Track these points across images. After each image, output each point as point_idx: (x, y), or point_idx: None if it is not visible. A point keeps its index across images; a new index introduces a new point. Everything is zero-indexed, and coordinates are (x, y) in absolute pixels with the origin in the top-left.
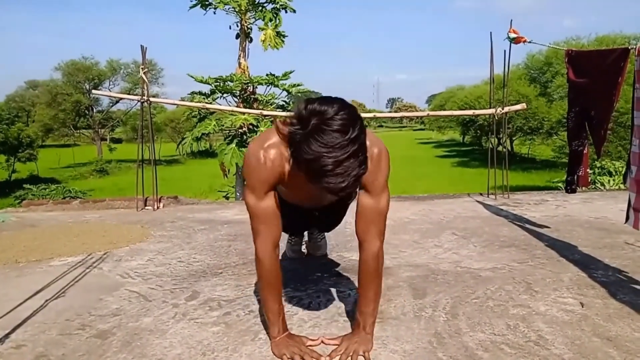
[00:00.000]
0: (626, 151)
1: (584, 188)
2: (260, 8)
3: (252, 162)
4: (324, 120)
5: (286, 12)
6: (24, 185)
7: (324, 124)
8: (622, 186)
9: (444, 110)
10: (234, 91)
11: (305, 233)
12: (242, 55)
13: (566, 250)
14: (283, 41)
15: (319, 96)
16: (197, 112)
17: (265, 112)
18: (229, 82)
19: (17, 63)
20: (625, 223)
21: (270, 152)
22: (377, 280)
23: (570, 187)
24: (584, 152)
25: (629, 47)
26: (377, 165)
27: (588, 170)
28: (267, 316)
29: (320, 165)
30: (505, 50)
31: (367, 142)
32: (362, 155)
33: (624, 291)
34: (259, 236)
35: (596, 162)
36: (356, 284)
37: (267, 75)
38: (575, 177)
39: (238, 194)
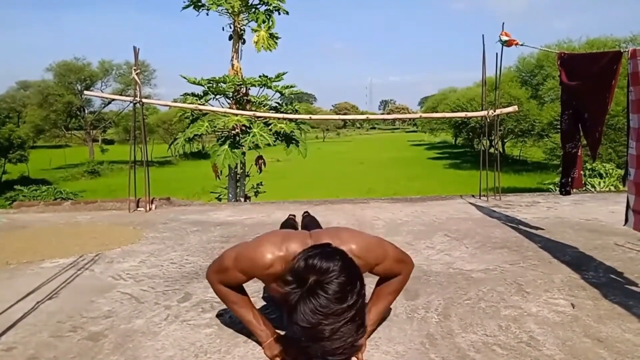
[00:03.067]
0: (617, 153)
1: (575, 190)
2: (253, 9)
3: (259, 257)
4: (322, 282)
5: (279, 13)
6: (15, 187)
7: (320, 287)
8: (612, 188)
9: (437, 112)
10: (227, 92)
11: None
12: (235, 57)
13: (557, 252)
14: (276, 42)
15: (320, 247)
16: (189, 113)
17: (258, 114)
18: (221, 84)
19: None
20: (624, 225)
21: (278, 265)
22: (394, 297)
23: (565, 189)
24: (578, 154)
25: (622, 50)
26: (363, 257)
27: (581, 172)
28: (248, 327)
29: (317, 332)
30: (497, 53)
31: (343, 248)
32: (360, 320)
33: (614, 292)
34: (218, 277)
35: (587, 164)
36: None
37: (260, 76)
38: (569, 179)
39: (230, 196)
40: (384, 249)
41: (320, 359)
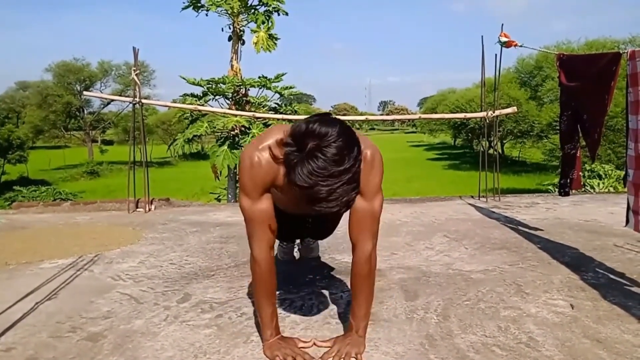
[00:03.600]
0: (616, 155)
1: (574, 191)
2: (252, 10)
3: (247, 164)
4: (320, 146)
5: (278, 14)
6: (14, 187)
7: (319, 150)
8: (611, 189)
9: (436, 113)
10: (226, 93)
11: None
12: (234, 58)
13: (556, 253)
14: (275, 43)
15: (320, 115)
16: (189, 114)
17: (257, 114)
18: (221, 84)
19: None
20: (625, 226)
21: (265, 154)
22: (369, 283)
23: (564, 190)
24: (577, 155)
25: (621, 52)
26: (370, 169)
27: (580, 173)
28: (261, 319)
29: (314, 192)
30: (496, 54)
31: (361, 145)
32: (356, 182)
33: (613, 293)
34: (254, 239)
35: (586, 165)
36: (348, 286)
37: (259, 77)
38: (569, 180)
39: (230, 196)
40: (379, 189)
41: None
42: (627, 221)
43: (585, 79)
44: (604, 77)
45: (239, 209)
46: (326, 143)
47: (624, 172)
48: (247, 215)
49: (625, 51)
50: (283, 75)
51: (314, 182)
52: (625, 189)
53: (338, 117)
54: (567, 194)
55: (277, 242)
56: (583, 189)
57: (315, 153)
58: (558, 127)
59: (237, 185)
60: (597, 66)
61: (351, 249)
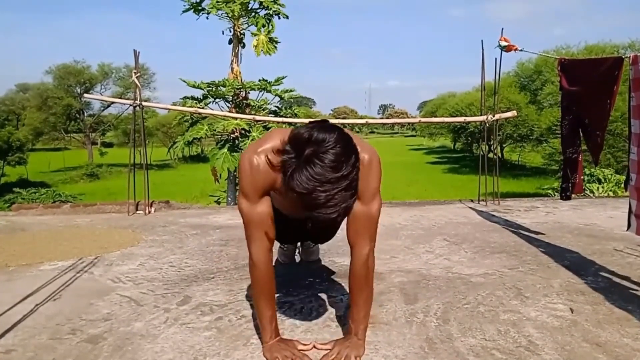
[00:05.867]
0: (615, 159)
1: (574, 195)
2: (253, 14)
3: (246, 167)
4: (317, 152)
5: (279, 18)
6: (14, 189)
7: (317, 157)
8: (611, 193)
9: (435, 117)
10: (227, 96)
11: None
12: (234, 61)
13: (556, 257)
14: (275, 47)
15: (318, 122)
16: (189, 117)
17: (257, 118)
18: (221, 87)
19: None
20: (627, 230)
21: (264, 157)
22: (367, 286)
23: (565, 194)
24: (578, 159)
25: (624, 56)
26: (368, 172)
27: (582, 177)
28: (260, 321)
29: (312, 198)
30: (496, 58)
31: (358, 149)
32: (354, 189)
33: (613, 297)
34: (253, 241)
35: (585, 169)
36: (347, 288)
37: (259, 80)
38: (570, 184)
39: (230, 199)
40: (377, 191)
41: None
42: (629, 225)
43: (586, 83)
44: (606, 82)
45: (238, 211)
46: (324, 149)
47: (625, 177)
48: (246, 218)
49: (628, 56)
50: (283, 78)
51: (312, 188)
52: (626, 193)
53: (338, 120)
54: (568, 198)
55: (277, 244)
56: (582, 194)
57: (313, 159)
58: (559, 132)
59: (237, 188)
60: (599, 71)
61: (350, 252)
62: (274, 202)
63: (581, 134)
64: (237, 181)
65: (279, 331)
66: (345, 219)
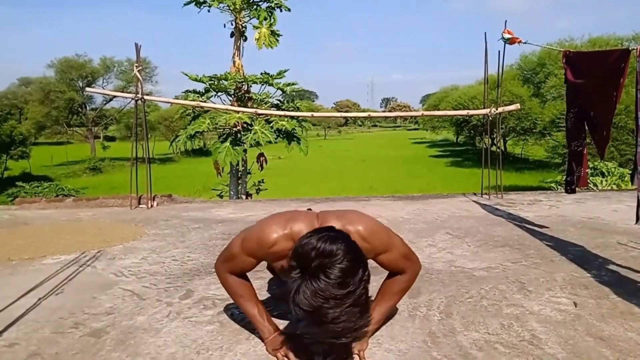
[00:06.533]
0: (619, 152)
1: (579, 188)
2: (255, 7)
3: (264, 237)
4: (323, 266)
5: (281, 10)
6: (17, 183)
7: (322, 272)
8: (614, 186)
9: (438, 110)
10: (229, 90)
11: None
12: (236, 54)
13: (560, 250)
14: (277, 40)
15: (325, 231)
16: (191, 111)
17: (259, 111)
18: (223, 81)
19: (9, 60)
20: (635, 224)
21: (282, 243)
22: (400, 296)
23: (570, 188)
24: (583, 152)
25: (630, 48)
26: (373, 236)
27: (587, 170)
28: (252, 321)
29: (318, 316)
30: (499, 51)
31: (349, 228)
32: (363, 306)
33: (617, 291)
34: (225, 266)
35: (589, 162)
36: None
37: (261, 74)
38: (575, 177)
39: (232, 193)
40: (392, 238)
41: (323, 346)
42: (638, 218)
43: (592, 76)
44: (611, 74)
45: (240, 205)
46: (330, 264)
47: (631, 170)
48: (232, 255)
49: (635, 48)
50: (285, 71)
51: (318, 305)
52: (630, 187)
53: (340, 114)
54: (573, 191)
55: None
56: (586, 187)
57: (318, 274)
58: (562, 125)
59: (240, 182)
60: (604, 63)
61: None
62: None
63: (586, 127)
64: (239, 175)
65: (276, 325)
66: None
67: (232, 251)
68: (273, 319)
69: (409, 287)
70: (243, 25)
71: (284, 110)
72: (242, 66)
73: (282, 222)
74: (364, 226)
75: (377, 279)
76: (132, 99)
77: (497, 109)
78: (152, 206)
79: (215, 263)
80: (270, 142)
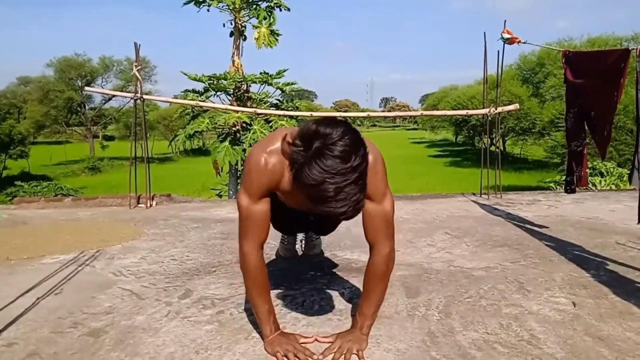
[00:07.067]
0: (617, 152)
1: (578, 188)
2: (254, 6)
3: (253, 165)
4: (326, 144)
5: (280, 10)
6: (15, 182)
7: (326, 148)
8: (613, 186)
9: (437, 110)
10: (228, 89)
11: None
12: (235, 54)
13: (558, 250)
14: (277, 39)
15: (325, 118)
16: (190, 110)
17: (258, 111)
18: (222, 80)
19: (8, 59)
20: (638, 224)
21: (272, 157)
22: (384, 284)
23: (570, 187)
24: (583, 152)
25: (630, 48)
26: (374, 173)
27: (587, 170)
28: (257, 316)
29: (321, 191)
30: (498, 51)
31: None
32: (363, 182)
33: (615, 291)
34: (246, 236)
35: (588, 162)
36: (350, 282)
37: (260, 73)
38: (575, 177)
39: (231, 192)
40: (387, 192)
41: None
42: None
43: (592, 76)
44: (611, 74)
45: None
46: (332, 141)
47: (630, 170)
48: (244, 214)
49: (634, 48)
50: (284, 71)
51: (322, 180)
52: (629, 187)
53: (339, 113)
54: (573, 191)
55: (277, 236)
56: (584, 187)
57: (323, 151)
58: (561, 125)
59: (239, 181)
60: (604, 63)
61: (369, 250)
62: (279, 198)
63: (586, 127)
64: (239, 175)
65: (278, 325)
66: (361, 217)
67: (240, 210)
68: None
69: (388, 270)
70: (242, 24)
71: (283, 110)
72: (241, 66)
73: (262, 146)
74: (372, 157)
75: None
76: (131, 98)
77: (496, 109)
78: (151, 206)
79: (239, 249)
80: None
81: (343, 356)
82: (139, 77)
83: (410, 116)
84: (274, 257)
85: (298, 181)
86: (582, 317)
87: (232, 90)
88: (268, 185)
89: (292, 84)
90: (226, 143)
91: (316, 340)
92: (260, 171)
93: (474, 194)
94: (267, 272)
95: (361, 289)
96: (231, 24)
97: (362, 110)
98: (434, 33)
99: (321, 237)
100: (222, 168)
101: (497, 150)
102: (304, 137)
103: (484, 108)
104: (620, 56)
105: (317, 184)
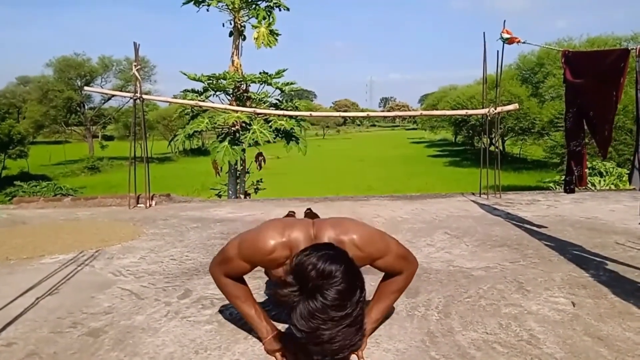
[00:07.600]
0: (617, 152)
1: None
2: (253, 6)
3: (261, 245)
4: (321, 288)
5: (280, 10)
6: (15, 182)
7: (320, 293)
8: (612, 187)
9: (437, 110)
10: (227, 89)
11: None
12: (235, 53)
13: (558, 250)
14: (276, 39)
15: (324, 249)
16: (189, 110)
17: (258, 110)
18: (222, 80)
19: (8, 59)
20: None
21: (280, 250)
22: (396, 294)
23: (569, 187)
24: (582, 152)
25: (629, 48)
26: (371, 243)
27: (586, 170)
28: (249, 322)
29: (315, 336)
30: (498, 51)
31: (344, 238)
32: (359, 324)
33: (614, 291)
34: (220, 270)
35: (587, 162)
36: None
37: (260, 73)
38: (574, 177)
39: (230, 192)
40: (387, 243)
41: (321, 357)
42: None
43: (591, 76)
44: (611, 74)
45: (239, 205)
46: (327, 286)
47: (629, 169)
48: (230, 260)
49: (634, 48)
50: (284, 71)
51: (315, 327)
52: (631, 187)
53: (339, 113)
54: (572, 191)
55: None
56: (583, 187)
57: (316, 295)
58: (561, 125)
59: (238, 181)
60: (604, 63)
61: None
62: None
63: (586, 127)
64: (238, 174)
65: (274, 325)
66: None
67: (227, 255)
68: (272, 320)
69: (406, 285)
70: (242, 24)
71: (282, 109)
72: (240, 65)
73: (280, 229)
74: (359, 235)
75: (375, 278)
76: (131, 98)
77: (495, 109)
78: (150, 205)
79: (210, 265)
80: (268, 141)
81: None
82: (139, 77)
83: (410, 116)
84: None
85: (292, 323)
86: (582, 317)
87: (231, 90)
88: (261, 263)
89: (292, 83)
90: (225, 143)
91: None
92: (262, 254)
93: (473, 194)
94: (242, 281)
95: None
96: (230, 24)
97: (362, 110)
98: (433, 33)
99: None
100: (221, 168)
101: (496, 150)
102: (299, 275)
103: (483, 108)
104: (619, 56)
105: (311, 331)
